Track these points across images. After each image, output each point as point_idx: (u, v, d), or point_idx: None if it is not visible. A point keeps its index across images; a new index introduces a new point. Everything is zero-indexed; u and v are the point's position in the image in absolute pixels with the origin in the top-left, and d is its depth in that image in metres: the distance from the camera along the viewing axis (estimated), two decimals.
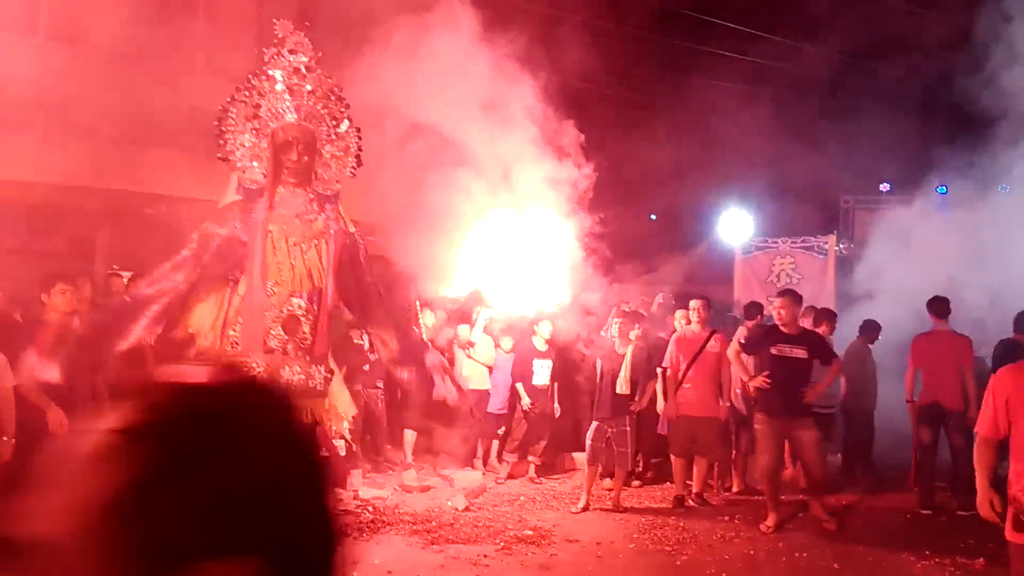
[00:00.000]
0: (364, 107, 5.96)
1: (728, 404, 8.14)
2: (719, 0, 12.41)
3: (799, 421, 7.12)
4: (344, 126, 5.43)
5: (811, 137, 11.93)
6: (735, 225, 13.05)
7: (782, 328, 7.23)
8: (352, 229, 5.44)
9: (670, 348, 8.26)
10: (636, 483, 8.75)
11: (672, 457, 8.33)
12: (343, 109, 5.47)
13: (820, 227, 12.11)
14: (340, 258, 5.27)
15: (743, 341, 7.68)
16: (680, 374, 8.10)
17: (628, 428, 7.89)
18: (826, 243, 11.69)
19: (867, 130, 12.10)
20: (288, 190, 5.21)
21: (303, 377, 5.05)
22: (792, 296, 7.39)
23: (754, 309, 9.32)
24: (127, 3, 9.78)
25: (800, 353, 7.16)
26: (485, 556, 6.32)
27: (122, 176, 9.27)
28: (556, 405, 9.17)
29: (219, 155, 5.18)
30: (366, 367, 8.39)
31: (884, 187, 13.91)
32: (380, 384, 8.70)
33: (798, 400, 7.10)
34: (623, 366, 7.76)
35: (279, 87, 5.17)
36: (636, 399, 7.92)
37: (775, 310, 7.39)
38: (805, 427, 7.14)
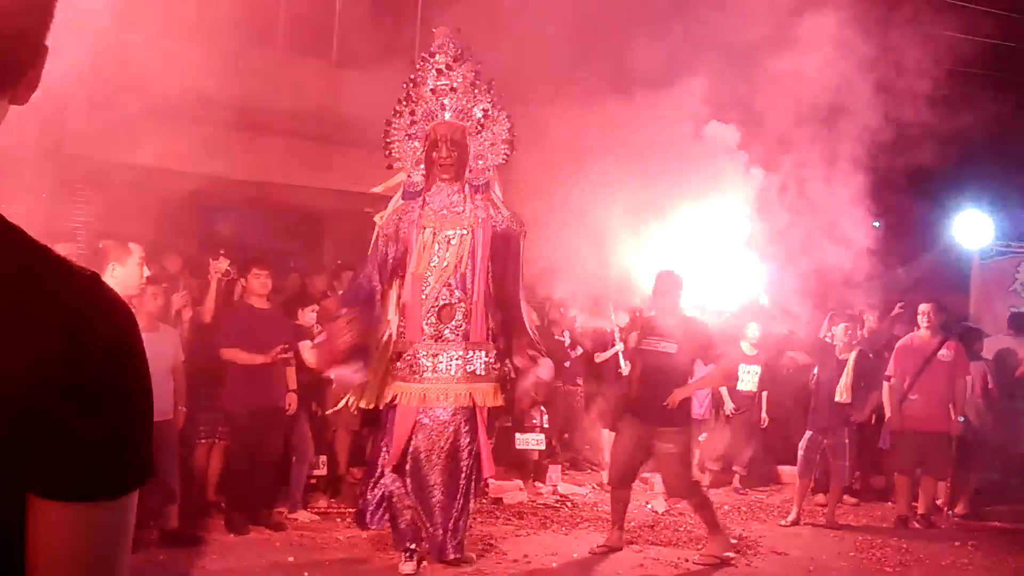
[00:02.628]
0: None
1: (962, 419, 7.35)
2: None
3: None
4: (492, 113, 5.53)
5: None
6: (973, 229, 11.85)
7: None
8: (506, 214, 5.50)
9: (895, 356, 7.61)
10: (852, 500, 8.12)
11: (895, 474, 7.65)
12: (490, 98, 5.55)
13: None
14: (494, 246, 5.39)
15: None
16: (906, 384, 7.43)
17: (847, 440, 7.32)
18: None
19: None
20: (442, 186, 5.44)
21: (460, 362, 5.23)
22: None
23: None
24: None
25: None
26: (686, 560, 6.09)
27: (340, 176, 9.88)
28: (764, 415, 8.71)
29: (388, 165, 5.57)
30: (567, 364, 8.39)
31: None
32: (580, 381, 8.66)
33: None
34: (844, 373, 7.23)
35: (426, 91, 5.47)
36: (857, 409, 7.34)
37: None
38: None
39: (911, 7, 8.50)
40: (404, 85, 5.54)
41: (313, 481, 7.00)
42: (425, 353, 5.25)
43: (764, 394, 8.71)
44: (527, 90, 6.41)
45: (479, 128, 5.52)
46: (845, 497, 7.92)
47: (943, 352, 7.34)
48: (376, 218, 5.61)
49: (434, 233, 5.32)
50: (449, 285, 5.30)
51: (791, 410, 8.47)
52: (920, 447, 7.27)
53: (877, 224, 15.81)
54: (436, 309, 5.31)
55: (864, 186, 9.51)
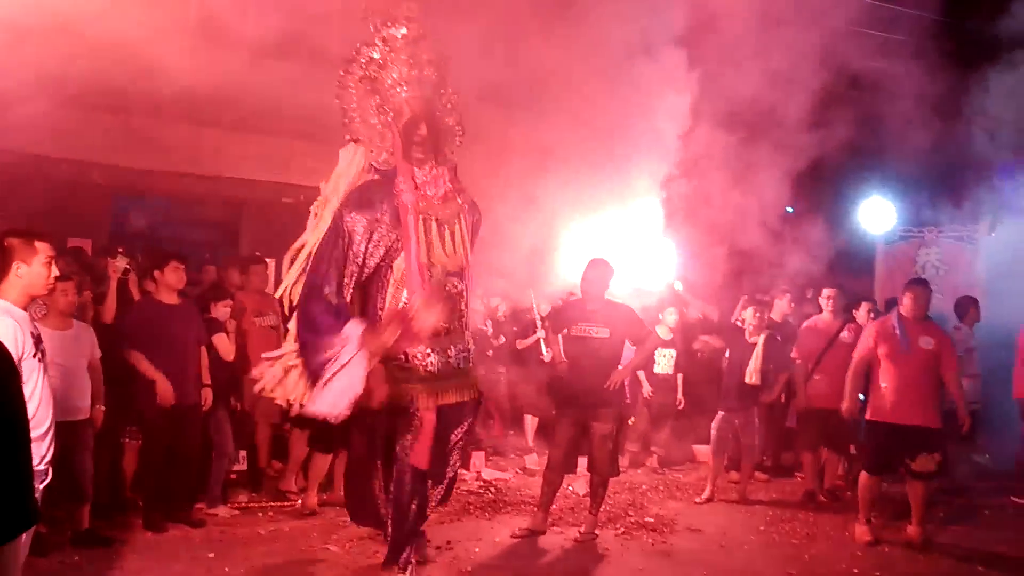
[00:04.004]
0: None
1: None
2: None
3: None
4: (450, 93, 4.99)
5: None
6: (877, 215, 12.39)
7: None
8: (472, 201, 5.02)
9: (799, 338, 7.96)
10: (763, 476, 8.47)
11: (802, 451, 8.01)
12: (447, 79, 4.98)
13: (969, 215, 11.27)
14: (470, 235, 4.94)
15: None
16: (810, 365, 7.78)
17: (756, 420, 7.65)
18: (976, 231, 10.93)
19: None
20: (425, 167, 4.79)
21: (466, 354, 4.84)
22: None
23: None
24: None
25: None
26: (606, 541, 6.28)
27: (256, 165, 9.75)
28: (680, 396, 9.01)
29: (347, 136, 4.81)
30: (490, 352, 8.49)
31: None
32: (503, 369, 8.78)
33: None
34: (753, 356, 7.53)
35: (392, 57, 4.75)
36: (766, 390, 7.66)
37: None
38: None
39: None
40: (357, 52, 4.77)
41: (233, 476, 6.96)
42: (437, 348, 4.67)
43: (680, 377, 9.00)
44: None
45: (447, 107, 4.98)
46: (756, 474, 8.26)
47: (844, 334, 7.69)
48: (318, 207, 4.74)
49: (436, 220, 4.70)
50: (451, 275, 4.78)
51: (705, 392, 8.78)
52: (824, 425, 7.62)
53: (790, 209, 16.42)
54: (438, 296, 4.71)
55: (777, 174, 9.86)
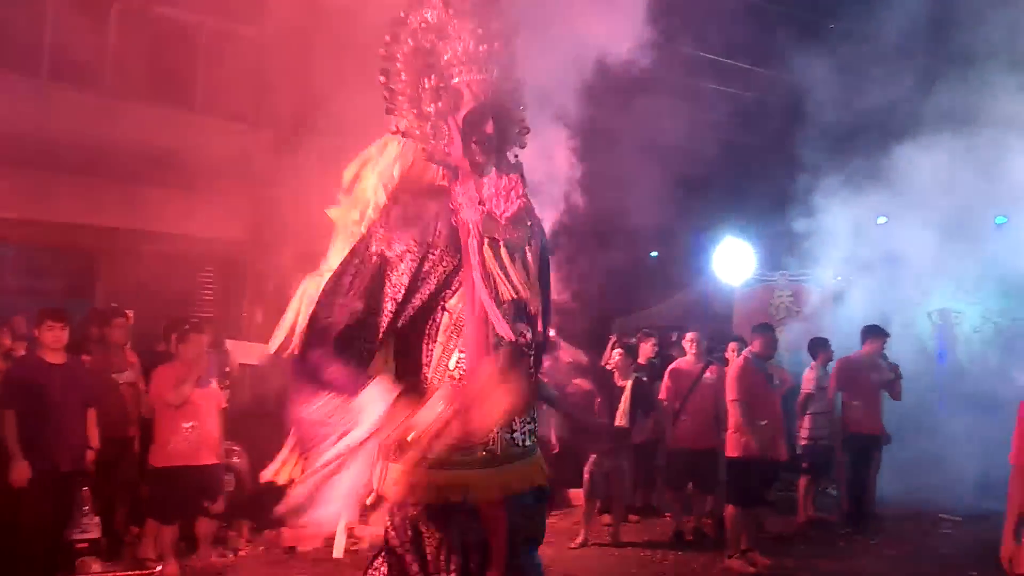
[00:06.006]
0: None
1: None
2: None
3: None
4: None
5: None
6: (735, 259, 13.06)
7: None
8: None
9: (665, 380, 8.23)
10: (635, 518, 8.64)
11: (670, 491, 8.25)
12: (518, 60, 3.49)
13: (817, 257, 12.06)
14: (540, 266, 3.41)
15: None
16: (676, 406, 8.05)
17: (626, 462, 7.83)
18: (824, 274, 11.69)
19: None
20: (490, 175, 3.25)
21: (532, 427, 3.22)
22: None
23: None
24: (127, 43, 9.99)
25: None
26: None
27: (119, 214, 9.35)
28: (554, 440, 9.10)
29: (392, 129, 3.26)
30: None
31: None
32: None
33: None
34: (622, 398, 7.73)
35: (455, 25, 3.24)
36: (636, 432, 7.87)
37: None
38: None
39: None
40: (407, 13, 3.21)
41: (85, 545, 6.50)
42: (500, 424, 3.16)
43: (553, 420, 9.11)
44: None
45: (516, 97, 3.46)
46: (629, 516, 8.42)
47: (707, 375, 8.02)
48: (344, 215, 3.23)
49: (506, 246, 3.19)
50: (521, 321, 3.24)
51: (579, 435, 8.89)
52: (691, 464, 7.88)
53: (655, 255, 17.09)
54: (508, 355, 3.19)
55: (641, 218, 10.27)
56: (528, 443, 3.13)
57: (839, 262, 11.20)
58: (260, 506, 6.53)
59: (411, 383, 2.86)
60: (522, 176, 3.30)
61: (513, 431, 3.08)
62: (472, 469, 2.96)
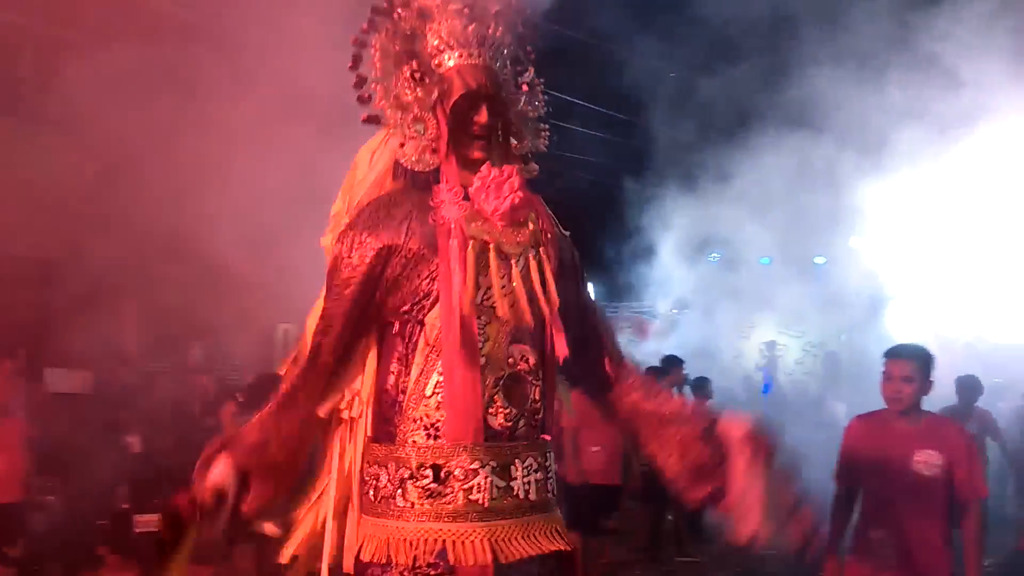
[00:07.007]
0: None
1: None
2: None
3: None
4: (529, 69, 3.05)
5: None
6: None
7: None
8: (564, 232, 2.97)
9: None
10: None
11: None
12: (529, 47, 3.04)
13: (655, 290, 12.60)
14: (558, 279, 2.81)
15: None
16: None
17: None
18: (660, 306, 12.23)
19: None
20: (482, 170, 2.77)
21: (541, 475, 2.64)
22: None
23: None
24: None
25: None
26: None
27: None
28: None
29: (364, 118, 2.85)
30: None
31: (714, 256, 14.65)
32: None
33: None
34: None
35: (439, 5, 2.79)
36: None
37: None
38: None
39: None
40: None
41: None
42: (488, 464, 2.55)
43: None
44: None
45: (518, 88, 2.98)
46: None
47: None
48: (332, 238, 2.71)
49: (497, 250, 2.65)
50: (520, 342, 2.69)
51: None
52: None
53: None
54: (503, 384, 2.67)
55: None
56: (535, 495, 2.53)
57: (675, 296, 11.74)
58: (78, 547, 6.01)
59: (385, 412, 2.51)
60: (527, 177, 2.76)
61: (511, 477, 2.50)
62: (447, 520, 2.41)
